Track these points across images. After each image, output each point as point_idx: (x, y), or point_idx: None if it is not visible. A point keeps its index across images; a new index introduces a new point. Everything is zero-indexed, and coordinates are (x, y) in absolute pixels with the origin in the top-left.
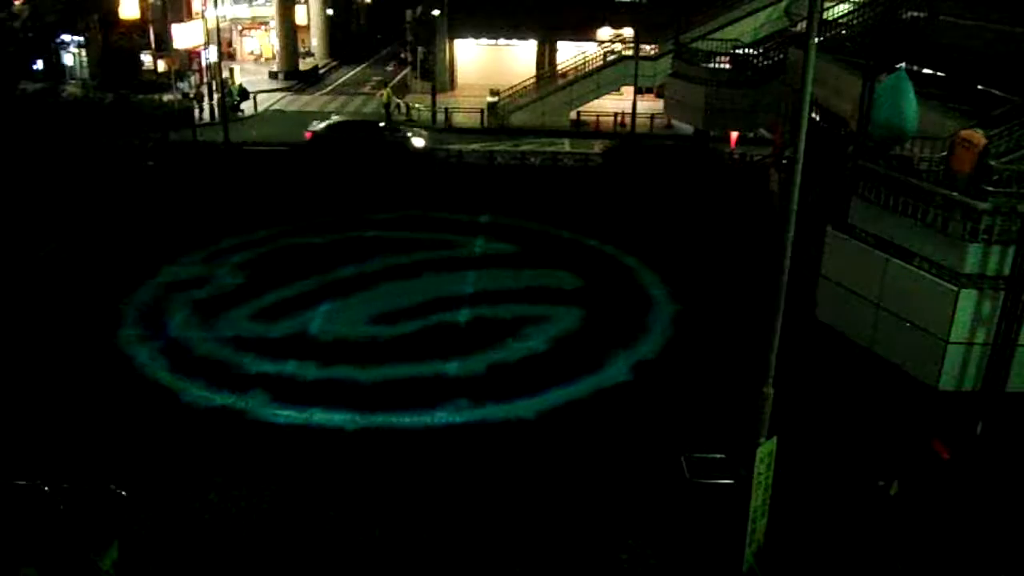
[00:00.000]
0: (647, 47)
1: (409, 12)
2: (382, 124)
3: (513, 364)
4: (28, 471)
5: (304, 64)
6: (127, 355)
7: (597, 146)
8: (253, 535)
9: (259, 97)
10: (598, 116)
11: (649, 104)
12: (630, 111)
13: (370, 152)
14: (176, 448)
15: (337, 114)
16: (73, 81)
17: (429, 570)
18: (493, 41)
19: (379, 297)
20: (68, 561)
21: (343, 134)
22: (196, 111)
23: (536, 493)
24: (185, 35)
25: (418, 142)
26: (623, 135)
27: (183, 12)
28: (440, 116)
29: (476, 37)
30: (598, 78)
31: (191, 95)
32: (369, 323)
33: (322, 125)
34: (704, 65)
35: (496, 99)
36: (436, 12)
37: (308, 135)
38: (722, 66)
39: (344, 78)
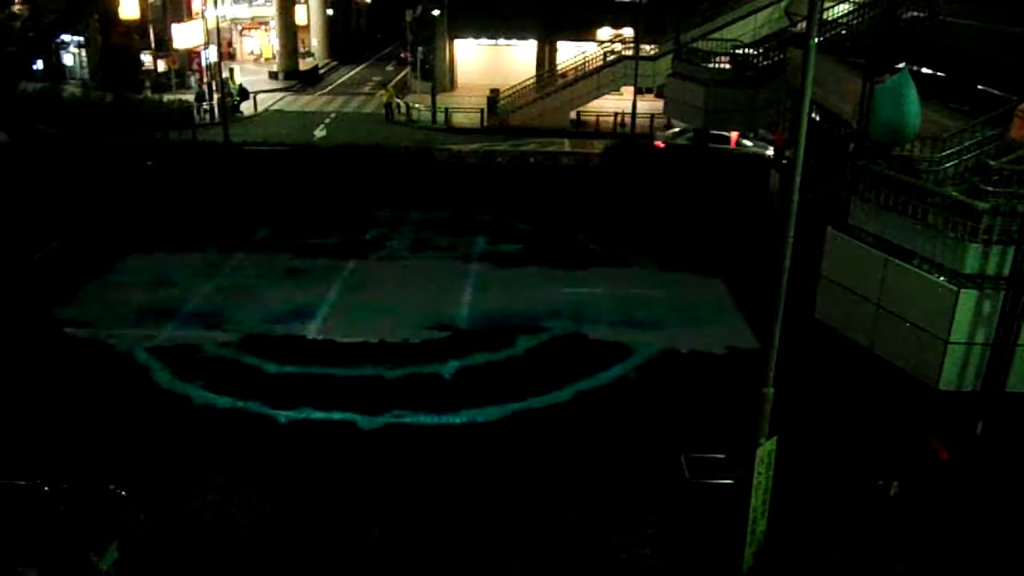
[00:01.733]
0: (647, 47)
1: (409, 12)
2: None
3: None
4: (28, 471)
5: (304, 64)
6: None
7: (598, 146)
8: (253, 535)
9: (259, 97)
10: (598, 116)
11: (649, 104)
12: (630, 111)
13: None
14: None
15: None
16: (73, 81)
17: (428, 570)
18: (493, 41)
19: None
20: (68, 561)
21: (701, 142)
22: (195, 111)
23: (535, 492)
24: (185, 35)
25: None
26: (623, 135)
27: (183, 12)
28: (440, 116)
29: (476, 37)
30: (598, 78)
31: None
32: None
33: (670, 132)
34: (704, 65)
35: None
36: (436, 12)
37: (660, 144)
38: (722, 66)
39: (344, 78)
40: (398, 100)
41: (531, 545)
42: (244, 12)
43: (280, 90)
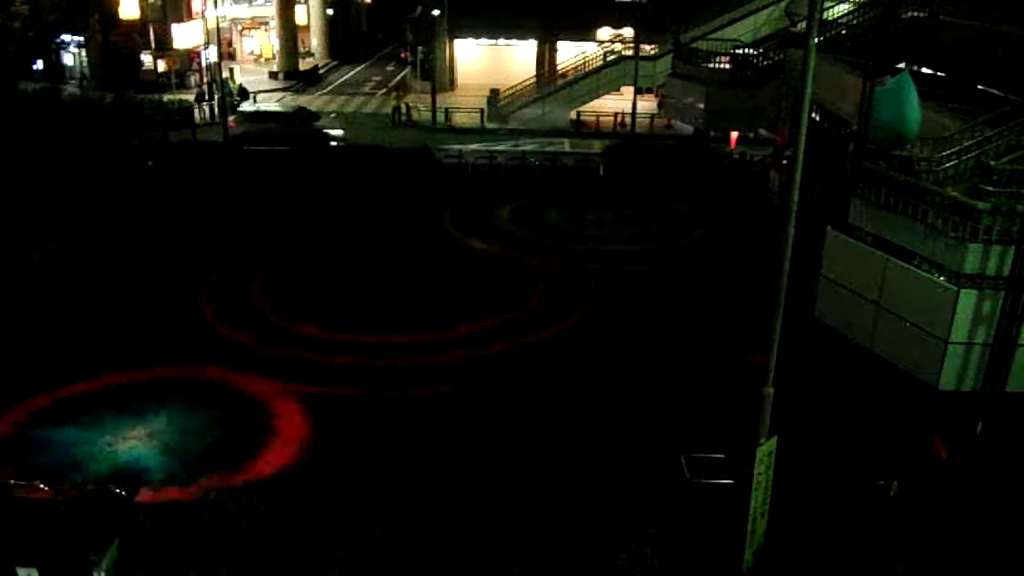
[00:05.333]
0: (647, 47)
1: (409, 12)
2: None
3: None
4: (28, 471)
5: (304, 64)
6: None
7: (597, 146)
8: (253, 535)
9: (259, 97)
10: (598, 116)
11: (649, 104)
12: (630, 111)
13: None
14: None
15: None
16: (73, 81)
17: (428, 570)
18: (493, 41)
19: None
20: (68, 561)
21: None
22: (196, 111)
23: (535, 492)
24: (185, 35)
25: None
26: (623, 135)
27: (183, 12)
28: (440, 116)
29: (476, 37)
30: (598, 78)
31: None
32: None
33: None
34: (704, 65)
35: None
36: (436, 12)
37: None
38: (722, 66)
39: (344, 78)
40: (403, 103)
41: (531, 544)
42: (244, 12)
43: (280, 90)
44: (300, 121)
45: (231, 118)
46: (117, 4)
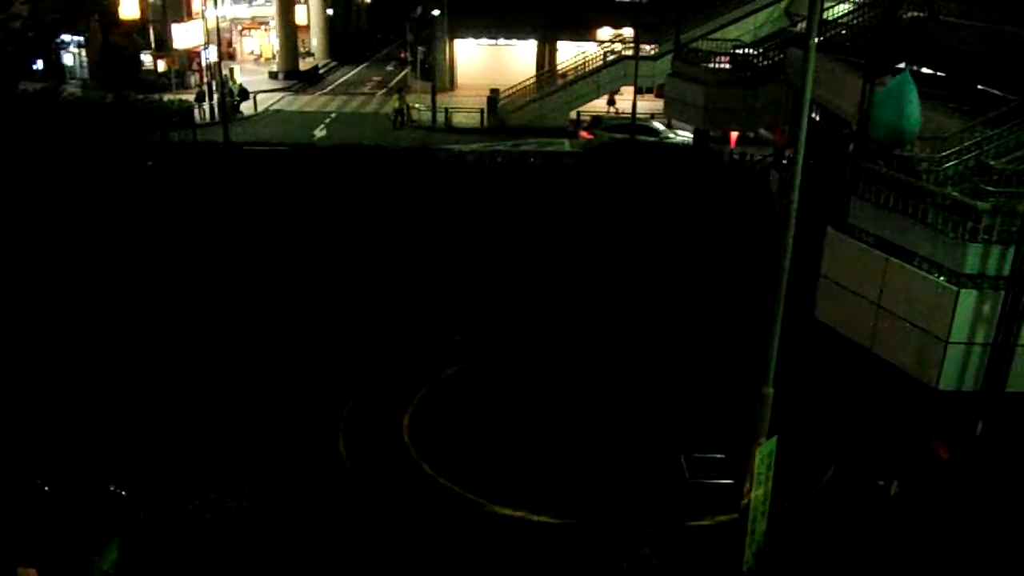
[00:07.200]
0: (647, 47)
1: (409, 12)
2: None
3: None
4: (28, 471)
5: (304, 64)
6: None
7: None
8: (253, 535)
9: (259, 97)
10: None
11: (649, 104)
12: (630, 111)
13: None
14: None
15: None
16: (73, 81)
17: (429, 570)
18: (493, 41)
19: None
20: (68, 561)
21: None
22: (196, 111)
23: (535, 491)
24: (185, 35)
25: None
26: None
27: (183, 12)
28: (440, 116)
29: (476, 37)
30: (598, 78)
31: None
32: None
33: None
34: (704, 65)
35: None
36: (436, 12)
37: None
38: (722, 66)
39: (344, 78)
40: (405, 103)
41: (530, 544)
42: (244, 12)
43: (280, 90)
44: (646, 133)
45: (582, 131)
46: (117, 4)
